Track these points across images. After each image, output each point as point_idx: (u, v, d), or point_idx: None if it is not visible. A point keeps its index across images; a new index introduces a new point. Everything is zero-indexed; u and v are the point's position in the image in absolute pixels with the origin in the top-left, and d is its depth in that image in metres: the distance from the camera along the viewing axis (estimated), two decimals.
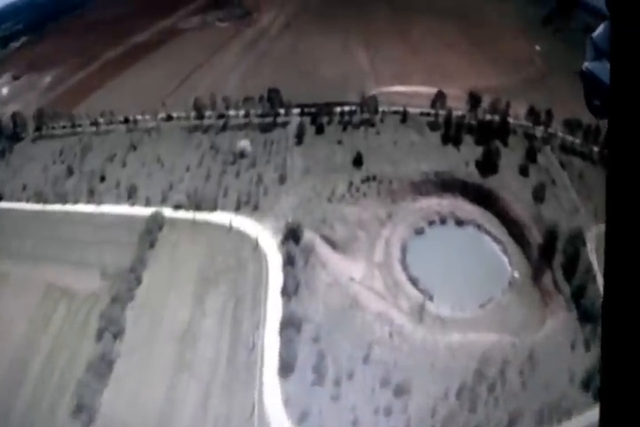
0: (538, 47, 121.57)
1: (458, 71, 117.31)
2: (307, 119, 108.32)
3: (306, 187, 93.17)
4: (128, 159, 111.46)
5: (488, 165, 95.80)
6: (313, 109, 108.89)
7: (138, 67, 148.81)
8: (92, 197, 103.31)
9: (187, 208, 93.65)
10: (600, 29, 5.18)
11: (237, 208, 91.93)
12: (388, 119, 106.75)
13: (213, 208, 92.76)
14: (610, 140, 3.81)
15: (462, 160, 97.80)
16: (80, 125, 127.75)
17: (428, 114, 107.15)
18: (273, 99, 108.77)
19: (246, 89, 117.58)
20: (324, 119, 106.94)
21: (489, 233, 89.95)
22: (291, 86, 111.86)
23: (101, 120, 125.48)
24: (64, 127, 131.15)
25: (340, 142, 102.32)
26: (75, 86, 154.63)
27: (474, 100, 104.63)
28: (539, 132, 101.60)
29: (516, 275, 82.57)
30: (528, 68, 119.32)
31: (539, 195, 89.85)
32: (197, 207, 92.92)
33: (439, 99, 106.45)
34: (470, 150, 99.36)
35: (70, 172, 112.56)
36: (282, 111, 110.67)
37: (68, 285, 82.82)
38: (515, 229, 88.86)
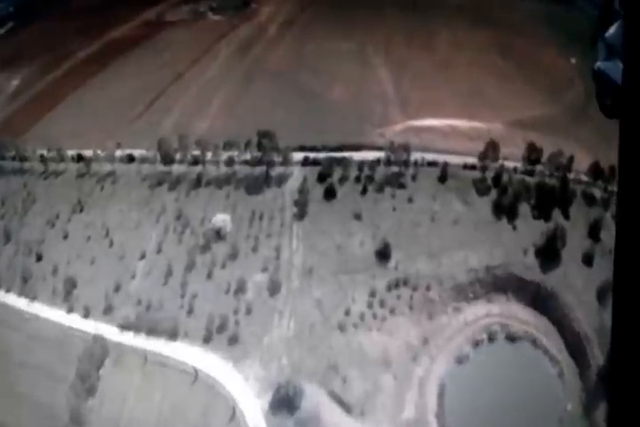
0: (573, 60, 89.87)
1: (496, 96, 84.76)
2: (312, 172, 73.31)
3: (308, 302, 59.95)
4: (71, 226, 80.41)
5: (550, 252, 68.75)
6: (320, 155, 73.68)
7: (108, 74, 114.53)
8: (24, 284, 75.38)
9: (136, 330, 61.38)
10: (613, 29, 4.98)
11: (207, 338, 59.57)
12: (422, 176, 73.70)
13: (173, 335, 60.56)
14: (622, 140, 3.58)
15: (519, 246, 68.96)
16: (27, 159, 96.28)
17: (474, 167, 74.98)
18: (264, 144, 73.51)
19: (232, 119, 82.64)
20: (336, 174, 71.88)
21: (545, 351, 67.37)
22: (291, 116, 76.78)
23: (51, 155, 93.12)
24: (13, 159, 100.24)
25: (358, 217, 68.28)
26: (35, 98, 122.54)
27: (533, 153, 73.66)
28: (597, 190, 73.36)
29: (569, 408, 64.60)
30: (568, 91, 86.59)
31: (603, 296, 65.90)
32: (150, 331, 60.59)
33: (490, 150, 73.55)
34: (529, 228, 70.78)
35: (7, 237, 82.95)
36: (277, 159, 75.36)
37: None
38: (575, 344, 67.05)
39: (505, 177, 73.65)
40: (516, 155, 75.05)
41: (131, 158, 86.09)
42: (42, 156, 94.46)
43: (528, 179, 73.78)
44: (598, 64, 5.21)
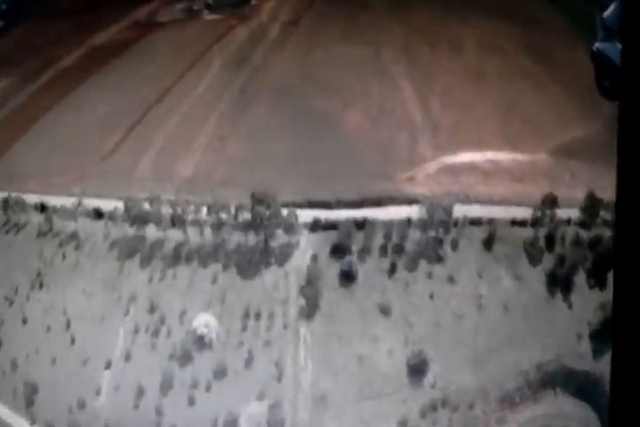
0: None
1: (534, 111, 64.25)
2: (324, 242, 54.36)
3: None
4: (30, 308, 62.63)
5: (605, 334, 52.18)
6: (334, 215, 54.48)
7: (85, 90, 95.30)
8: None
9: None
10: (610, 9, 4.24)
11: None
12: (464, 242, 54.79)
13: None
14: (621, 121, 3.34)
15: (573, 330, 52.41)
16: None
17: (524, 223, 56.15)
18: (260, 211, 54.36)
19: (222, 161, 63.71)
20: (356, 244, 52.88)
21: None
22: (296, 153, 57.92)
23: (12, 202, 75.92)
24: None
25: (385, 311, 49.36)
26: (6, 120, 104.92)
27: (592, 205, 54.55)
28: None
29: None
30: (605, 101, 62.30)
31: None
32: None
33: (547, 205, 54.87)
34: (584, 303, 53.89)
35: None
36: (278, 221, 56.13)
37: None
38: None
39: (559, 233, 54.95)
40: (566, 198, 57.27)
41: (98, 214, 67.78)
42: (4, 201, 76.99)
43: (582, 233, 55.87)
44: (597, 45, 5.14)
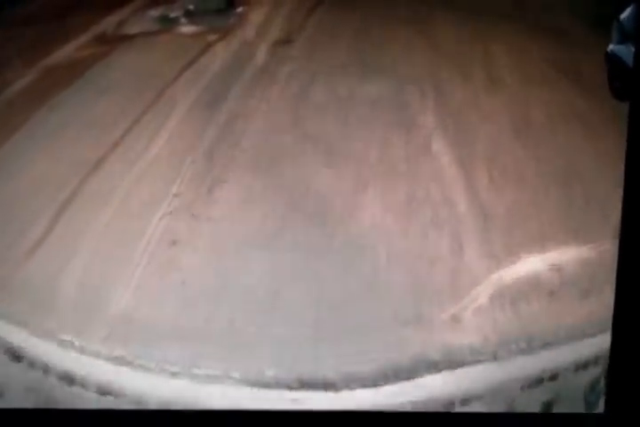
0: None
1: (595, 178, 36.86)
2: None
3: None
4: None
5: None
6: None
7: (21, 141, 75.67)
8: None
9: None
10: (628, 12, 4.77)
11: None
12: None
13: None
14: (631, 122, 2.36)
15: None
16: None
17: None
18: None
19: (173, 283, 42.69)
20: None
21: None
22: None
23: None
24: None
25: None
26: None
27: None
28: None
29: None
30: None
31: None
32: None
33: None
34: None
35: None
36: None
37: None
38: None
39: None
40: None
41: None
42: None
43: None
44: (611, 47, 4.64)
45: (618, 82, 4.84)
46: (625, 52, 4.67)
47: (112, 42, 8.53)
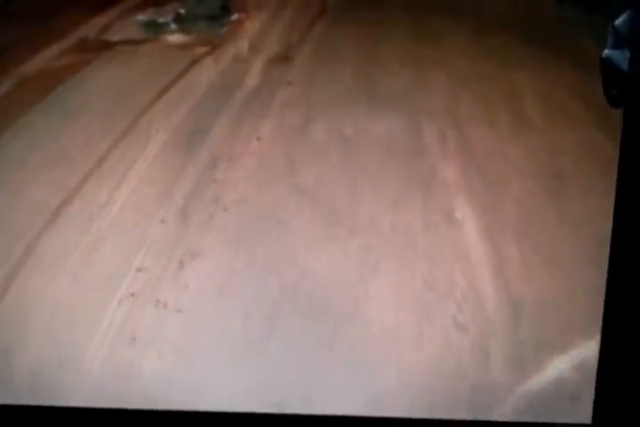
0: None
1: None
2: None
3: None
4: None
5: None
6: None
7: None
8: None
9: None
10: (623, 17, 4.79)
11: None
12: None
13: None
14: (625, 128, 2.27)
15: None
16: None
17: None
18: None
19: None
20: None
21: None
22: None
23: None
24: None
25: None
26: None
27: None
28: None
29: None
30: None
31: None
32: None
33: None
34: None
35: None
36: None
37: None
38: None
39: None
40: None
41: None
42: None
43: None
44: (606, 52, 4.63)
45: (614, 89, 4.84)
46: (619, 57, 4.76)
47: (93, 49, 7.71)
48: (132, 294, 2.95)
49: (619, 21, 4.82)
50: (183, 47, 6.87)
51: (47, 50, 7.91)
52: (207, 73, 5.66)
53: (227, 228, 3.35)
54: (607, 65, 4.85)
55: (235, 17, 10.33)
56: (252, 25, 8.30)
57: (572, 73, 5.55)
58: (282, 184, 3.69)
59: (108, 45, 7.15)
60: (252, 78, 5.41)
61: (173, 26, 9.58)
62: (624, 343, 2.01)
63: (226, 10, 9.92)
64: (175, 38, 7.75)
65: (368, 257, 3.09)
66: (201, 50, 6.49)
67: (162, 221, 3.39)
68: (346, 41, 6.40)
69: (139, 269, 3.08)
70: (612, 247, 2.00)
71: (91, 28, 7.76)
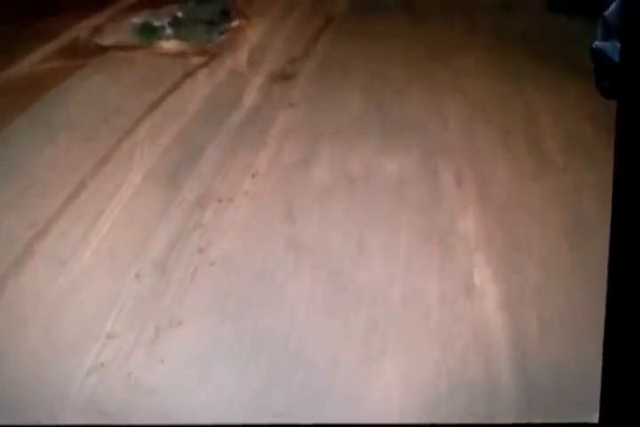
0: None
1: None
2: None
3: None
4: None
5: None
6: None
7: None
8: None
9: None
10: (612, 7, 4.65)
11: None
12: None
13: None
14: (619, 120, 2.20)
15: None
16: None
17: None
18: None
19: None
20: None
21: None
22: None
23: None
24: None
25: None
26: None
27: None
28: None
29: None
30: None
31: None
32: None
33: None
34: None
35: None
36: None
37: None
38: None
39: None
40: None
41: None
42: None
43: None
44: (596, 43, 4.64)
45: (606, 81, 4.71)
46: (610, 48, 4.70)
47: (81, 55, 7.19)
48: (102, 364, 2.54)
49: (608, 12, 4.78)
50: (177, 56, 6.39)
51: (31, 55, 7.37)
52: (201, 89, 5.18)
53: (212, 288, 2.92)
54: (598, 56, 4.79)
55: (235, 23, 9.79)
56: (253, 33, 7.82)
57: (595, 103, 5.19)
58: (278, 235, 3.25)
59: (98, 51, 6.66)
60: (250, 97, 4.94)
61: (169, 30, 9.04)
62: (629, 340, 1.99)
63: (226, 15, 9.40)
64: (170, 45, 7.26)
65: (375, 336, 2.67)
66: (196, 60, 6.01)
67: (137, 276, 2.95)
68: (353, 57, 5.93)
69: (109, 337, 2.65)
70: (611, 247, 1.98)
71: (81, 31, 7.28)
